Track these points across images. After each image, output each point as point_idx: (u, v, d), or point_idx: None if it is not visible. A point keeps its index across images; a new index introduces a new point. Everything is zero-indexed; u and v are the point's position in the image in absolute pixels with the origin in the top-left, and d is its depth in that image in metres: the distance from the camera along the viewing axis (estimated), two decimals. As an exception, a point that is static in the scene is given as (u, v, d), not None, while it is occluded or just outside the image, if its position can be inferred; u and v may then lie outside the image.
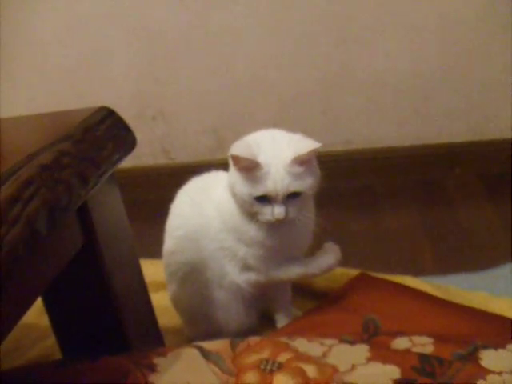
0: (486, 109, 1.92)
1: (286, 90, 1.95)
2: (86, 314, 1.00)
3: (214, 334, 1.16)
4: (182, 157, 2.04)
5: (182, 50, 1.94)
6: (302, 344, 1.00)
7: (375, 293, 1.24)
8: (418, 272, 1.41)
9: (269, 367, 0.95)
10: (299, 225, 1.11)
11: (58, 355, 1.07)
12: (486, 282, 1.37)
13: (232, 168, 1.09)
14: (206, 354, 0.98)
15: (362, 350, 0.98)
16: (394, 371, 0.92)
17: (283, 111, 1.96)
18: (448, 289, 1.33)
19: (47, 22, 1.93)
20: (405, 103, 1.94)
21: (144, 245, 1.25)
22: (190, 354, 0.99)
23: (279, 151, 1.06)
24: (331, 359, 0.96)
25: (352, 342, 1.01)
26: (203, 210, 1.17)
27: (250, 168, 1.05)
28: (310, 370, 0.93)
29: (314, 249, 1.17)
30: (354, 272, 1.33)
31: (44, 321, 1.09)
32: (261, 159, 1.05)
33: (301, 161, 1.05)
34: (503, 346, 0.97)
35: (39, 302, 1.00)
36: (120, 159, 0.93)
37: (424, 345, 1.00)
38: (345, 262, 1.19)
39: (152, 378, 0.93)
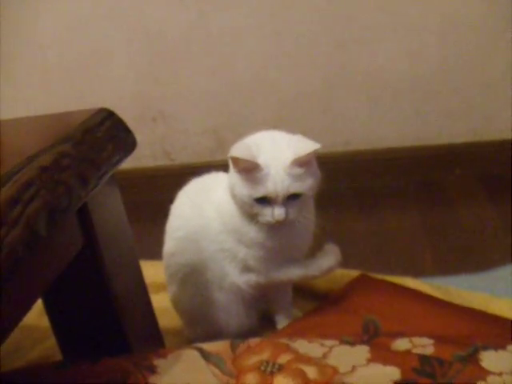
0: (486, 109, 1.92)
1: (286, 91, 1.95)
2: (86, 315, 1.00)
3: (214, 335, 1.16)
4: (182, 158, 2.04)
5: (182, 51, 1.94)
6: (302, 345, 1.00)
7: (375, 294, 1.24)
8: (418, 273, 1.41)
9: (269, 368, 0.95)
10: (299, 226, 1.11)
11: (58, 356, 1.07)
12: (486, 282, 1.37)
13: (232, 169, 1.09)
14: (206, 356, 0.98)
15: (362, 351, 0.98)
16: (394, 372, 0.92)
17: (283, 112, 1.96)
18: (448, 290, 1.33)
19: (47, 22, 1.93)
20: (405, 104, 1.94)
21: (144, 246, 1.25)
22: (190, 355, 0.99)
23: (279, 152, 1.06)
24: (331, 360, 0.96)
25: (352, 343, 1.01)
26: (203, 212, 1.17)
27: (249, 169, 1.05)
28: (311, 372, 0.93)
29: (315, 250, 1.17)
30: (354, 273, 1.33)
31: (44, 322, 1.09)
32: (261, 161, 1.05)
33: (301, 162, 1.05)
34: (503, 347, 0.97)
35: (39, 303, 1.00)
36: (120, 160, 0.93)
37: (424, 346, 1.00)
38: (345, 263, 1.19)
39: (152, 379, 0.93)
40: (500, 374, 0.90)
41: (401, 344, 1.03)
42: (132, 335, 1.01)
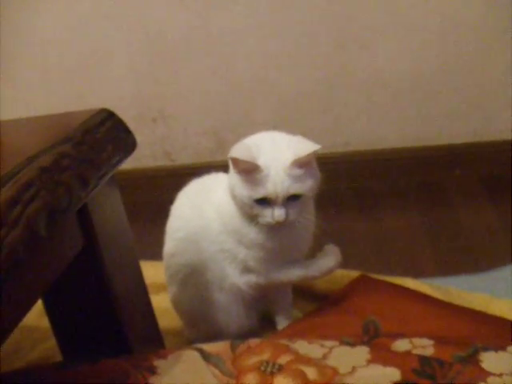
0: (486, 110, 1.92)
1: (286, 91, 1.95)
2: (86, 315, 0.99)
3: (214, 335, 1.16)
4: (182, 158, 2.04)
5: (182, 51, 1.94)
6: (302, 346, 1.00)
7: (375, 295, 1.24)
8: (418, 273, 1.41)
9: (269, 369, 0.94)
10: (299, 227, 1.11)
11: (58, 357, 1.07)
12: (486, 283, 1.37)
13: (232, 170, 1.09)
14: (206, 356, 0.98)
15: (362, 352, 0.97)
16: (394, 373, 0.92)
17: (283, 112, 1.96)
18: (448, 290, 1.33)
19: (47, 21, 1.93)
20: (405, 104, 1.94)
21: (144, 246, 1.25)
22: (190, 356, 0.98)
23: (279, 153, 1.06)
24: (331, 361, 0.95)
25: (352, 344, 1.01)
26: (203, 212, 1.17)
27: (249, 170, 1.05)
28: (311, 372, 0.93)
29: (315, 251, 1.17)
30: (354, 274, 1.33)
31: (44, 323, 1.09)
32: (260, 162, 1.05)
33: (300, 163, 1.05)
34: (504, 348, 0.97)
35: (39, 303, 0.99)
36: (120, 161, 0.93)
37: (424, 347, 1.00)
38: (345, 263, 1.19)
39: (152, 380, 0.93)
40: (500, 375, 0.90)
41: (401, 345, 1.03)
42: (132, 336, 1.01)
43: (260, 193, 1.05)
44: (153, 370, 0.95)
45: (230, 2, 1.88)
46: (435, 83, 1.91)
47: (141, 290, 1.09)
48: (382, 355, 0.96)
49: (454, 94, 1.91)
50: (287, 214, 1.06)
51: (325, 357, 0.97)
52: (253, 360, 0.97)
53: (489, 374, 0.91)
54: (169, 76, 1.97)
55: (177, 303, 1.24)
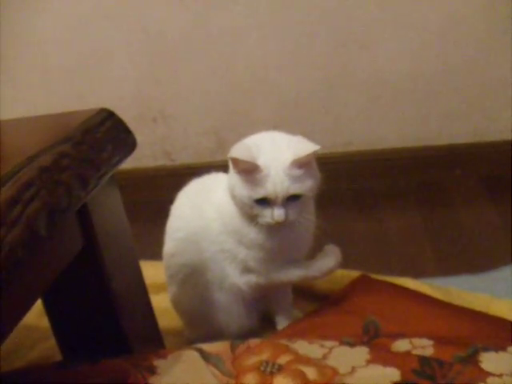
0: (486, 110, 1.92)
1: (286, 91, 1.95)
2: (86, 315, 0.99)
3: (214, 335, 1.16)
4: (182, 158, 2.04)
5: (183, 51, 1.94)
6: (302, 346, 1.00)
7: (376, 295, 1.24)
8: (418, 274, 1.41)
9: (269, 369, 0.95)
10: (299, 227, 1.11)
11: (58, 357, 1.07)
12: (487, 283, 1.37)
13: (231, 170, 1.09)
14: (205, 356, 0.98)
15: (362, 353, 0.97)
16: (394, 373, 0.92)
17: (284, 112, 1.96)
18: (448, 290, 1.33)
19: (47, 21, 1.93)
20: (405, 104, 1.94)
21: (144, 246, 1.25)
22: (190, 355, 0.99)
23: (279, 154, 1.05)
24: (331, 361, 0.95)
25: (352, 344, 1.01)
26: (203, 212, 1.17)
27: (249, 170, 1.05)
28: (310, 372, 0.93)
29: (315, 251, 1.17)
30: (354, 274, 1.33)
31: (44, 322, 1.09)
32: (260, 162, 1.05)
33: (300, 163, 1.05)
34: (504, 349, 0.97)
35: (39, 303, 1.00)
36: (120, 161, 0.93)
37: (424, 347, 1.00)
38: (345, 263, 1.19)
39: (152, 380, 0.93)
40: (500, 376, 0.90)
41: (401, 345, 1.03)
42: (132, 335, 1.01)
43: (260, 193, 1.05)
44: (153, 370, 0.95)
45: (230, 2, 1.88)
46: (435, 83, 1.90)
47: (141, 289, 1.09)
48: (381, 355, 0.96)
49: (454, 94, 1.91)
50: (287, 214, 1.06)
51: (325, 357, 0.97)
52: (252, 360, 0.97)
53: (489, 374, 0.91)
54: (169, 76, 1.97)
55: (177, 303, 1.24)
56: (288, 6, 1.87)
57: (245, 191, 1.06)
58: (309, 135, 1.09)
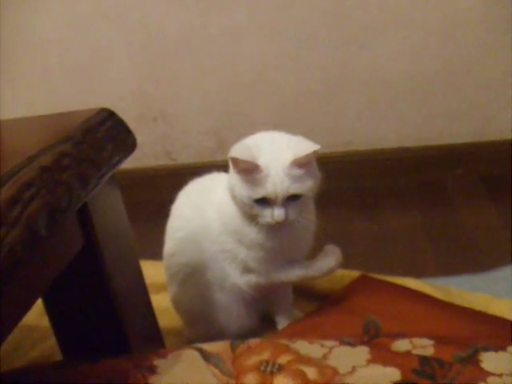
0: (486, 110, 1.92)
1: (286, 91, 1.95)
2: (86, 315, 0.99)
3: (214, 335, 1.16)
4: (183, 158, 2.04)
5: (183, 51, 1.94)
6: (302, 346, 1.00)
7: (376, 294, 1.24)
8: (419, 273, 1.41)
9: (269, 369, 0.94)
10: (299, 227, 1.11)
11: (58, 356, 1.07)
12: (487, 283, 1.37)
13: (232, 170, 1.09)
14: (206, 356, 0.98)
15: (362, 352, 0.97)
16: (394, 373, 0.92)
17: (284, 112, 1.96)
18: (449, 290, 1.32)
19: (47, 21, 1.93)
20: (406, 104, 1.93)
21: (144, 246, 1.25)
22: (190, 355, 0.98)
23: (279, 153, 1.05)
24: (332, 361, 0.95)
25: (353, 344, 1.01)
26: (204, 212, 1.17)
27: (249, 170, 1.05)
28: (311, 372, 0.93)
29: (315, 251, 1.17)
30: (355, 274, 1.33)
31: (44, 322, 1.09)
32: (260, 162, 1.05)
33: (300, 163, 1.05)
34: (504, 348, 0.97)
35: (39, 303, 1.00)
36: (120, 161, 0.93)
37: (424, 347, 1.00)
38: (346, 263, 1.19)
39: (152, 379, 0.93)
40: (500, 375, 0.90)
41: (401, 345, 1.03)
42: (132, 335, 1.01)
43: (260, 193, 1.05)
44: (153, 370, 0.95)
45: (230, 2, 1.88)
46: (435, 83, 1.90)
47: (141, 289, 1.09)
48: (382, 355, 0.96)
49: (454, 94, 1.91)
50: (287, 214, 1.06)
51: (325, 357, 0.97)
52: (253, 360, 0.97)
53: (489, 374, 0.91)
54: (169, 76, 1.97)
55: (177, 303, 1.24)
56: (288, 6, 1.87)
57: (245, 191, 1.06)
58: (309, 135, 1.09)
